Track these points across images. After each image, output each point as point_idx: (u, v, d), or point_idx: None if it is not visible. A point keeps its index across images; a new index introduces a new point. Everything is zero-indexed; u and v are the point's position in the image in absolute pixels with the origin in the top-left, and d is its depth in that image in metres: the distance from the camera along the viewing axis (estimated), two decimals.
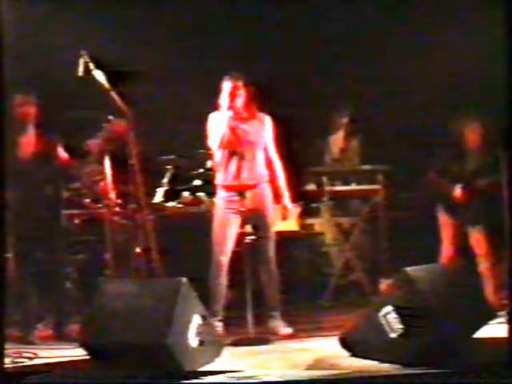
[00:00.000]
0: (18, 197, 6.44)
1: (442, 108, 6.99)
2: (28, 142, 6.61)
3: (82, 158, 6.87)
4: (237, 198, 6.41)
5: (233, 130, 6.40)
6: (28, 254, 6.50)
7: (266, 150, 6.52)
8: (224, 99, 6.37)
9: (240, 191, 6.41)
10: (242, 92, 6.39)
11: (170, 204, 7.59)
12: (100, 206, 7.04)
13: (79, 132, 6.99)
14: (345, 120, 8.24)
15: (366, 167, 7.88)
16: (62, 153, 6.71)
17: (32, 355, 5.88)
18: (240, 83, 6.37)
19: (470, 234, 6.81)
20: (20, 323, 6.47)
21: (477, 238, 6.77)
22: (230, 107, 6.36)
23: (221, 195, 6.51)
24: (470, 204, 6.78)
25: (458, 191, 6.79)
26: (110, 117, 6.52)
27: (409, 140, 7.41)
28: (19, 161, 6.52)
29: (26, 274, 6.47)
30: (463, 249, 6.81)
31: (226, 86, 6.37)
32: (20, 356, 5.76)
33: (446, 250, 6.86)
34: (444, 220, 6.91)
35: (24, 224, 6.48)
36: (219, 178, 6.50)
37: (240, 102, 6.40)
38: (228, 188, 6.46)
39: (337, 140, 8.26)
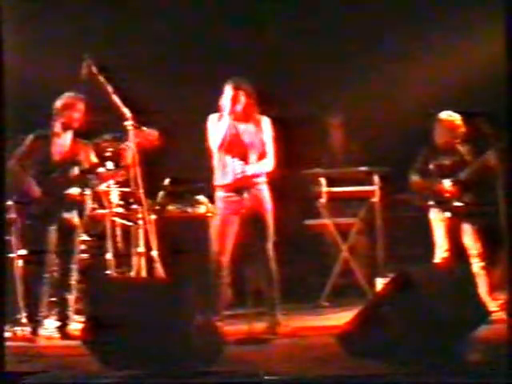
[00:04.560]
0: (41, 197, 6.53)
1: (439, 109, 7.02)
2: (63, 144, 6.68)
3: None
4: (235, 198, 6.47)
5: (230, 130, 6.45)
6: (41, 253, 6.53)
7: (263, 151, 6.55)
8: (226, 103, 6.42)
9: (238, 191, 6.47)
10: (242, 96, 6.43)
11: (171, 205, 7.65)
12: (101, 206, 7.08)
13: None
14: (341, 121, 8.31)
15: (363, 169, 7.92)
16: (93, 158, 6.79)
17: (34, 354, 5.87)
18: (241, 87, 6.42)
19: (463, 234, 6.84)
20: (23, 323, 6.50)
21: (471, 238, 6.79)
22: (232, 112, 6.42)
23: (220, 195, 6.55)
24: (460, 198, 6.82)
25: (447, 184, 6.83)
26: (144, 128, 6.52)
27: (406, 141, 7.42)
28: (49, 159, 6.61)
29: (37, 274, 6.52)
30: (458, 249, 6.84)
31: (228, 90, 6.43)
32: (22, 355, 5.72)
33: (440, 250, 6.88)
34: (436, 219, 6.93)
35: (45, 224, 6.55)
36: (218, 179, 6.54)
37: (240, 106, 6.45)
38: (226, 188, 6.50)
39: (334, 141, 8.34)
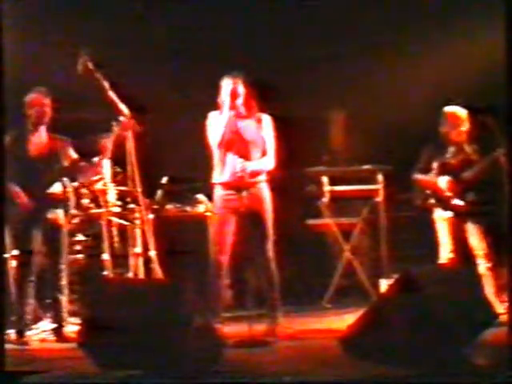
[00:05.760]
0: (24, 196, 6.47)
1: (443, 106, 6.97)
2: (39, 142, 6.64)
3: (90, 159, 6.85)
4: (234, 197, 6.39)
5: (231, 128, 6.38)
6: (30, 254, 6.50)
7: (264, 149, 6.48)
8: (225, 99, 6.36)
9: (238, 189, 6.39)
10: (242, 91, 6.37)
11: (170, 204, 7.61)
12: (98, 206, 7.02)
13: (88, 133, 6.99)
14: (344, 118, 8.26)
15: (367, 167, 7.91)
16: (73, 154, 6.73)
17: (31, 356, 5.88)
18: (240, 82, 6.36)
19: (468, 234, 6.77)
20: (19, 325, 6.44)
21: (476, 238, 6.72)
22: (232, 107, 6.35)
23: (219, 194, 6.48)
24: (462, 197, 6.75)
25: (443, 182, 6.76)
26: (121, 118, 6.49)
27: (410, 139, 7.38)
28: (27, 159, 6.56)
29: (26, 275, 6.46)
30: (463, 249, 6.77)
31: (227, 85, 6.37)
32: (19, 357, 5.74)
33: (445, 250, 6.82)
34: (440, 219, 6.86)
35: (27, 223, 6.48)
36: (217, 176, 6.47)
37: (240, 100, 6.38)
38: (226, 186, 6.43)
39: (335, 138, 8.29)
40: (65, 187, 6.64)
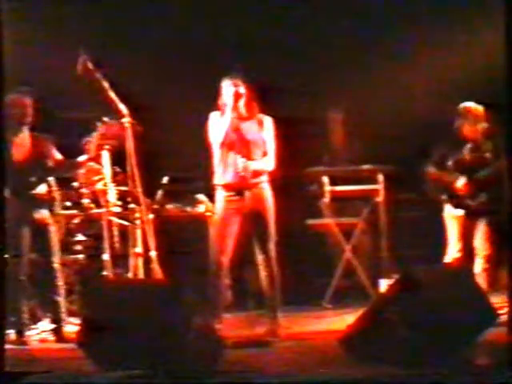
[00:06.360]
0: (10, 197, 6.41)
1: (445, 106, 6.96)
2: (22, 142, 6.61)
3: (75, 159, 6.83)
4: (236, 198, 6.38)
5: (232, 129, 6.37)
6: (22, 255, 6.47)
7: (265, 150, 6.46)
8: (227, 100, 6.34)
9: (240, 190, 6.38)
10: (243, 92, 6.36)
11: (170, 204, 7.58)
12: (98, 206, 7.00)
13: (73, 132, 6.99)
14: (344, 118, 8.24)
15: (367, 167, 7.88)
16: (56, 153, 6.71)
17: (31, 357, 5.87)
18: (241, 83, 6.35)
19: (477, 233, 6.77)
20: (18, 325, 6.44)
21: (484, 238, 6.72)
22: (235, 107, 6.34)
23: (220, 195, 6.47)
24: (475, 196, 6.75)
25: (461, 183, 6.75)
26: (105, 118, 6.49)
27: (411, 139, 7.39)
28: (12, 161, 6.49)
29: (20, 276, 6.43)
30: (470, 249, 6.78)
31: (227, 86, 6.36)
32: (19, 357, 5.71)
33: (453, 249, 6.83)
34: (450, 217, 6.86)
35: (16, 225, 6.43)
36: (218, 178, 6.46)
37: (242, 101, 6.37)
38: (227, 187, 6.42)
39: (338, 138, 8.27)
40: (50, 187, 6.63)
